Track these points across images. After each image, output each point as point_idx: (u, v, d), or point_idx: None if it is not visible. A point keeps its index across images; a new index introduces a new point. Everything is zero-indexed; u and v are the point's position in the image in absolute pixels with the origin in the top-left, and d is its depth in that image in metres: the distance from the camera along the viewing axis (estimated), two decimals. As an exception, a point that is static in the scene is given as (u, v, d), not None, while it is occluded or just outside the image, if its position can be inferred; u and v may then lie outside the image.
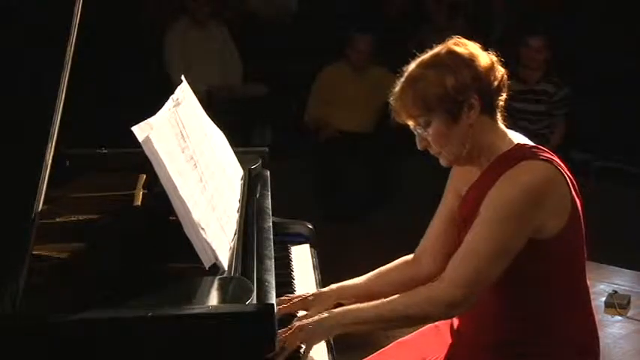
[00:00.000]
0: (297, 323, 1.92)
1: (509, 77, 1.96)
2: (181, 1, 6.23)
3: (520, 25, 6.60)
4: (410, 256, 2.23)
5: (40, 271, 1.77)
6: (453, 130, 1.91)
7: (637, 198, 5.42)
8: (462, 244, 1.90)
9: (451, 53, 1.91)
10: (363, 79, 5.95)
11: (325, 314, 1.93)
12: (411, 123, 1.96)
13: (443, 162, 1.99)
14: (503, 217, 1.85)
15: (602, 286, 4.30)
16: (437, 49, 1.94)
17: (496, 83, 1.92)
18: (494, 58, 1.94)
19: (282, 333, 1.86)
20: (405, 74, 1.94)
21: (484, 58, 1.92)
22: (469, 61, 1.90)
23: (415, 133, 1.98)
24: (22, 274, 1.52)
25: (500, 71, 1.94)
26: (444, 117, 1.90)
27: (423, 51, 1.99)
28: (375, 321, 1.93)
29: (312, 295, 2.13)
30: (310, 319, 1.92)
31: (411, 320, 1.96)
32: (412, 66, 1.94)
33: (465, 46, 1.93)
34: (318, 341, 1.92)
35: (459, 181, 2.09)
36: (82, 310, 1.52)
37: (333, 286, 2.17)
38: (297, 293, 2.20)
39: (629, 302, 4.10)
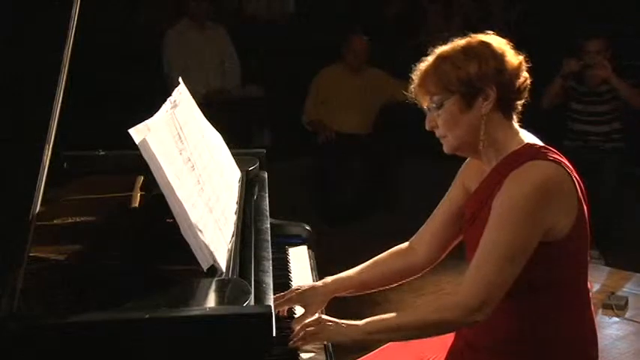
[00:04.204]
0: (322, 317, 1.96)
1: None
2: (180, 2, 6.24)
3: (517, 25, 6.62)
4: (404, 245, 2.25)
5: (38, 272, 1.77)
6: (465, 115, 1.94)
7: (634, 198, 5.43)
8: (478, 249, 1.90)
9: (484, 43, 1.95)
10: (360, 81, 5.96)
11: (349, 323, 1.94)
12: (425, 101, 1.99)
13: (446, 147, 2.01)
14: (512, 220, 1.85)
15: (599, 288, 4.32)
16: (472, 37, 1.98)
17: (517, 84, 1.95)
18: (523, 62, 1.98)
19: (302, 322, 1.94)
20: (435, 52, 1.98)
21: (513, 57, 1.96)
22: (498, 55, 1.94)
23: (426, 112, 2.00)
24: (19, 275, 1.52)
25: (525, 75, 1.97)
26: (458, 100, 1.93)
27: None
28: (397, 329, 1.93)
29: (308, 289, 2.13)
30: (334, 321, 1.95)
31: (434, 327, 1.94)
32: (444, 47, 1.98)
33: (499, 41, 1.97)
34: (339, 341, 1.95)
35: (469, 177, 2.10)
36: (80, 312, 1.52)
37: (328, 279, 2.18)
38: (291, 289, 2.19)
39: (626, 303, 4.10)
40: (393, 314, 1.94)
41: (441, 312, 1.92)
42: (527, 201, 1.85)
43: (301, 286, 2.15)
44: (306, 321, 1.97)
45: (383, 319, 1.94)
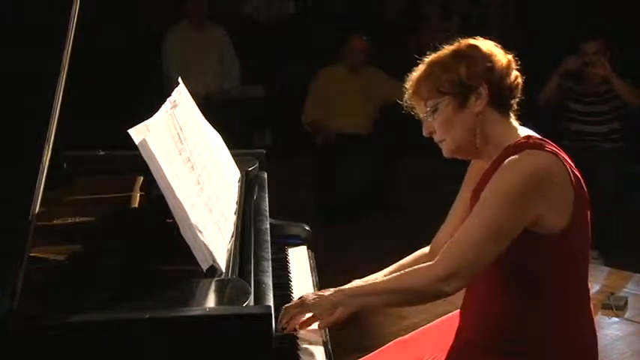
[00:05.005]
0: (302, 295, 2.01)
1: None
2: (181, 3, 6.25)
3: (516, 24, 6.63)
4: (426, 249, 2.27)
5: (37, 272, 1.77)
6: (459, 115, 1.97)
7: (634, 198, 5.43)
8: (461, 225, 1.94)
9: (472, 46, 2.01)
10: (360, 81, 5.96)
11: (331, 290, 2.00)
12: (420, 107, 2.03)
13: (445, 151, 2.04)
14: (499, 200, 1.88)
15: (599, 288, 4.32)
16: (461, 41, 2.03)
17: (508, 82, 1.99)
18: (512, 61, 2.02)
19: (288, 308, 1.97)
20: (425, 60, 2.03)
21: (502, 56, 2.00)
22: (487, 55, 1.98)
23: (422, 118, 2.04)
24: (19, 276, 1.52)
25: (516, 74, 2.02)
26: (452, 101, 1.97)
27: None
28: (375, 293, 1.98)
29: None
30: (313, 293, 2.02)
31: (409, 293, 1.96)
32: (434, 54, 2.03)
33: (487, 43, 2.02)
34: (323, 313, 1.98)
35: (473, 177, 2.12)
36: (80, 312, 1.52)
37: (357, 281, 2.18)
38: (294, 295, 2.20)
39: (626, 304, 4.10)
40: (374, 281, 2.03)
41: (412, 278, 1.95)
42: (516, 184, 1.87)
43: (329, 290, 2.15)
44: (290, 304, 2.00)
45: (364, 285, 2.02)
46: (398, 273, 2.01)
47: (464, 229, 1.92)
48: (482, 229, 1.87)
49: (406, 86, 2.04)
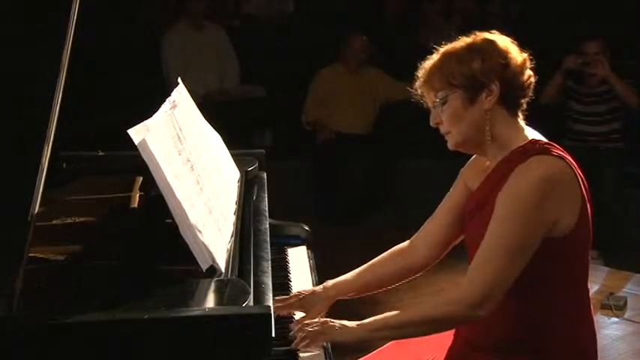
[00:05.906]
0: (323, 320, 1.97)
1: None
2: (180, 3, 6.25)
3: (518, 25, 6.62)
4: (404, 244, 2.25)
5: (38, 272, 1.77)
6: (468, 110, 1.96)
7: (634, 199, 5.43)
8: (482, 243, 1.91)
9: (488, 41, 1.99)
10: (360, 81, 5.96)
11: (352, 323, 1.95)
12: (430, 97, 2.01)
13: (450, 143, 2.03)
14: (517, 213, 1.87)
15: (598, 288, 4.32)
16: (477, 35, 2.02)
17: (521, 81, 1.98)
18: (527, 59, 2.00)
19: (304, 325, 1.95)
20: (440, 50, 2.01)
21: (517, 54, 1.99)
22: (502, 52, 1.97)
23: (431, 108, 2.03)
24: (18, 276, 1.52)
25: (529, 73, 2.00)
26: (462, 95, 1.95)
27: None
28: (401, 326, 1.94)
29: (309, 294, 2.14)
30: (338, 322, 1.96)
31: (438, 323, 1.95)
32: (449, 44, 2.01)
33: (503, 39, 2.00)
34: (344, 341, 1.95)
35: (471, 176, 2.11)
36: (80, 312, 1.52)
37: (328, 283, 2.18)
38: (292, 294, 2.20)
39: (625, 304, 4.10)
40: (396, 312, 1.95)
41: (445, 308, 1.93)
42: (531, 194, 1.87)
43: (302, 292, 2.15)
44: (309, 321, 1.98)
45: (387, 317, 1.94)
46: (419, 306, 1.96)
47: (488, 250, 1.89)
48: (508, 247, 1.86)
49: (418, 74, 2.02)
